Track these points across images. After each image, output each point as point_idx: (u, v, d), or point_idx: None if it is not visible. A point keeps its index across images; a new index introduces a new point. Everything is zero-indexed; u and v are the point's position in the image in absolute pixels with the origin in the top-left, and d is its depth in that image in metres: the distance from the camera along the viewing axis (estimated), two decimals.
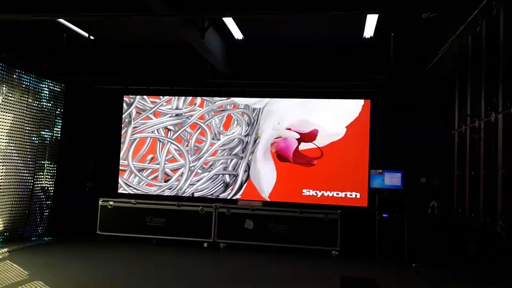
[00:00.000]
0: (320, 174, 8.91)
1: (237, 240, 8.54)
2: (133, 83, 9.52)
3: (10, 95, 7.93)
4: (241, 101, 9.31)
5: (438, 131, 8.24)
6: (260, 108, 9.26)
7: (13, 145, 8.06)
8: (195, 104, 9.46)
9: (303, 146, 9.01)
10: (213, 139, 9.37)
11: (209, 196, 9.28)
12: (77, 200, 9.49)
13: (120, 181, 9.57)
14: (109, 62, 9.62)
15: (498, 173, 4.21)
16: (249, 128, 9.28)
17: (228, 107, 9.34)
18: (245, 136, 9.30)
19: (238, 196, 9.20)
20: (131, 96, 9.69)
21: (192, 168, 9.40)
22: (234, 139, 9.32)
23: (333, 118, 8.94)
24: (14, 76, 8.06)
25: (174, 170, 9.44)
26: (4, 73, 7.76)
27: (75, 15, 6.47)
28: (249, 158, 9.23)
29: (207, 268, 7.14)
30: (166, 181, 9.44)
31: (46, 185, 9.09)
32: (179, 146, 9.47)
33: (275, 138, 9.15)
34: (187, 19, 6.46)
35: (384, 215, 8.43)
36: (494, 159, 4.36)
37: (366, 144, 8.80)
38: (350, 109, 8.91)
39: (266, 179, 9.13)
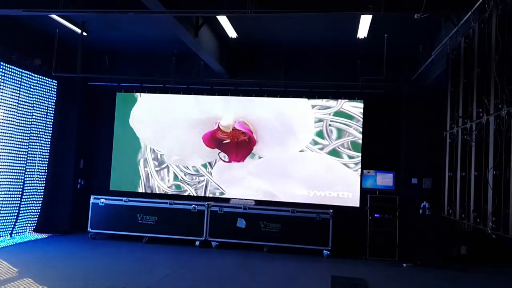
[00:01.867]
0: (313, 173, 8.92)
1: (229, 239, 8.54)
2: (126, 81, 9.49)
3: (2, 91, 7.86)
4: (234, 100, 9.32)
5: (430, 132, 8.29)
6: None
7: (4, 141, 7.98)
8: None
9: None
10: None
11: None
12: (69, 197, 9.43)
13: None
14: (102, 59, 9.56)
15: (489, 175, 4.23)
16: None
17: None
18: None
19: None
20: (121, 93, 9.64)
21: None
22: None
23: (326, 118, 8.95)
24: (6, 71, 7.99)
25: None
26: None
27: (68, 11, 6.41)
28: None
29: (198, 267, 7.13)
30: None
31: (37, 181, 9.03)
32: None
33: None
34: (181, 17, 6.44)
35: (375, 215, 8.47)
36: (485, 160, 4.38)
37: (359, 144, 8.84)
38: (343, 109, 8.94)
39: (258, 178, 9.13)
